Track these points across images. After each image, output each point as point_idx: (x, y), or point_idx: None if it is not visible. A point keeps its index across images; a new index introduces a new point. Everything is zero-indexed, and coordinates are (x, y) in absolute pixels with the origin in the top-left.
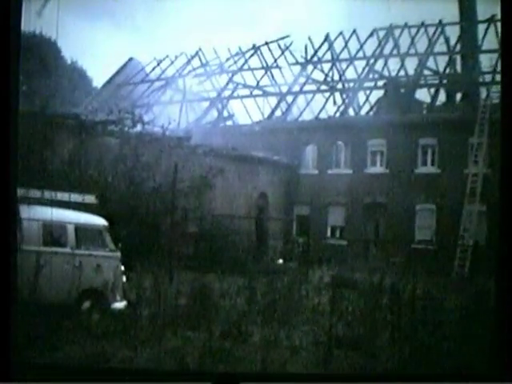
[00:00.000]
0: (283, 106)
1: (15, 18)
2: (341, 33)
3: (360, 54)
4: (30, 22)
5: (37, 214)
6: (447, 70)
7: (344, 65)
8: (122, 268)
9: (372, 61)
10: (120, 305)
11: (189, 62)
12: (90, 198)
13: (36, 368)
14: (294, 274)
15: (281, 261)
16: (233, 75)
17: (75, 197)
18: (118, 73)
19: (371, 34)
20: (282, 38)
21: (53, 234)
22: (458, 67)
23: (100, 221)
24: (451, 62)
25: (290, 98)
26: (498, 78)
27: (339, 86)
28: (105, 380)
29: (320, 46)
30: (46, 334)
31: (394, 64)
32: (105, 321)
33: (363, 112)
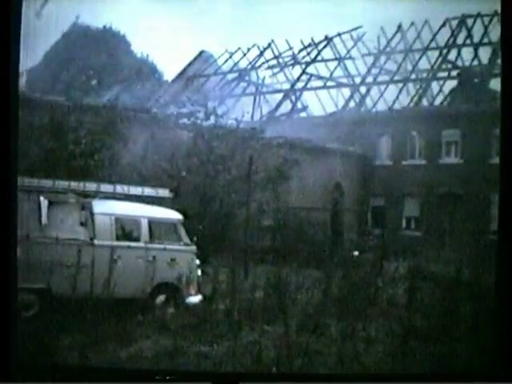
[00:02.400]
0: (357, 97)
1: (15, 17)
2: (413, 23)
3: (433, 44)
4: (29, 22)
5: (109, 208)
6: None
7: (417, 55)
8: (197, 262)
9: (445, 51)
10: (195, 299)
11: (261, 53)
12: (164, 192)
13: (36, 368)
14: (369, 266)
15: (356, 253)
16: (306, 67)
17: (149, 191)
18: (189, 66)
19: (443, 24)
20: (355, 29)
21: (126, 228)
22: None
23: (174, 214)
24: None
25: (363, 89)
26: None
27: (412, 76)
28: (105, 380)
29: (393, 37)
30: (121, 329)
31: (467, 54)
32: (179, 315)
33: (437, 102)
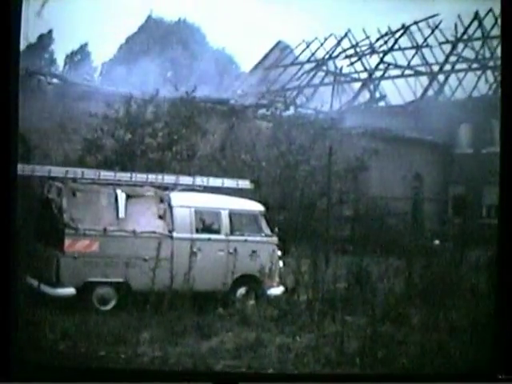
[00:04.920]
0: (435, 85)
1: (15, 17)
2: (490, 10)
3: None
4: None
5: (189, 200)
6: None
7: (495, 42)
8: (279, 253)
9: None
10: (277, 291)
11: (338, 43)
12: (245, 183)
13: (36, 368)
14: (450, 255)
15: (437, 241)
16: (383, 55)
17: (229, 182)
18: (266, 56)
19: None
20: (431, 17)
21: (206, 220)
22: None
23: (255, 206)
24: None
25: (441, 77)
26: None
27: (491, 63)
28: (105, 380)
29: (470, 24)
30: (201, 322)
31: None
32: (261, 307)
33: None
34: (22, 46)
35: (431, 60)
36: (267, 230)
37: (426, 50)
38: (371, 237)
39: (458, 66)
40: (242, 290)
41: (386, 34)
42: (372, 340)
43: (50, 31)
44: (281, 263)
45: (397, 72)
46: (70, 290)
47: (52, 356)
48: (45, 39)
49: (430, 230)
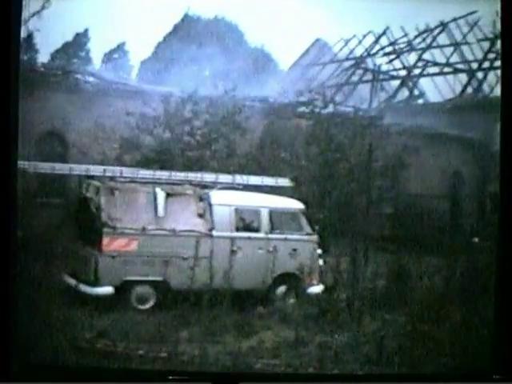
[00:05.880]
0: (474, 82)
1: (15, 17)
2: None
3: None
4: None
5: (228, 199)
6: None
7: None
8: (319, 251)
9: None
10: (316, 289)
11: (377, 40)
12: (285, 181)
13: (36, 368)
14: (490, 253)
15: (476, 239)
16: (422, 53)
17: (268, 180)
18: (304, 54)
19: None
20: (470, 14)
21: (246, 218)
22: None
23: (295, 204)
24: None
25: (480, 75)
26: None
27: None
28: (104, 380)
29: None
30: (241, 321)
31: None
32: (300, 306)
33: None
34: (59, 44)
35: (470, 57)
36: (307, 228)
37: (464, 47)
38: (410, 235)
39: (496, 64)
40: (281, 289)
41: (425, 32)
42: (411, 338)
43: (86, 30)
44: (320, 261)
45: (435, 69)
46: (108, 289)
47: (90, 355)
48: (81, 38)
49: (470, 227)
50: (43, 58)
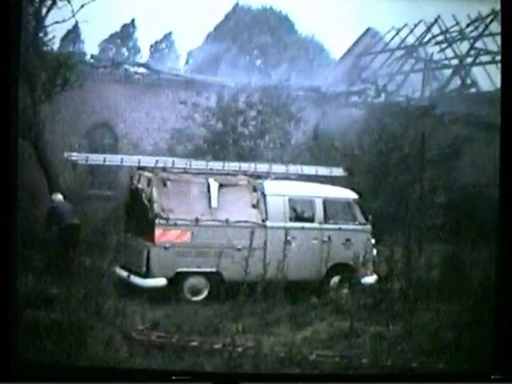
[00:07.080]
0: None
1: (15, 17)
2: None
3: None
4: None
5: (282, 189)
6: None
7: None
8: (373, 241)
9: None
10: (371, 279)
11: (428, 29)
12: (338, 171)
13: (36, 368)
14: None
15: None
16: (474, 42)
17: (323, 170)
18: (356, 43)
19: None
20: None
21: (299, 209)
22: None
23: (349, 194)
24: None
25: None
26: None
27: None
28: (104, 380)
29: None
30: (295, 311)
31: None
32: (355, 296)
33: None
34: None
35: None
36: (361, 218)
37: None
38: (464, 224)
39: None
40: (335, 279)
41: (476, 20)
42: (464, 329)
43: (133, 20)
44: (374, 251)
45: (487, 58)
46: (161, 281)
47: (143, 347)
48: (128, 28)
49: None
50: (92, 49)
